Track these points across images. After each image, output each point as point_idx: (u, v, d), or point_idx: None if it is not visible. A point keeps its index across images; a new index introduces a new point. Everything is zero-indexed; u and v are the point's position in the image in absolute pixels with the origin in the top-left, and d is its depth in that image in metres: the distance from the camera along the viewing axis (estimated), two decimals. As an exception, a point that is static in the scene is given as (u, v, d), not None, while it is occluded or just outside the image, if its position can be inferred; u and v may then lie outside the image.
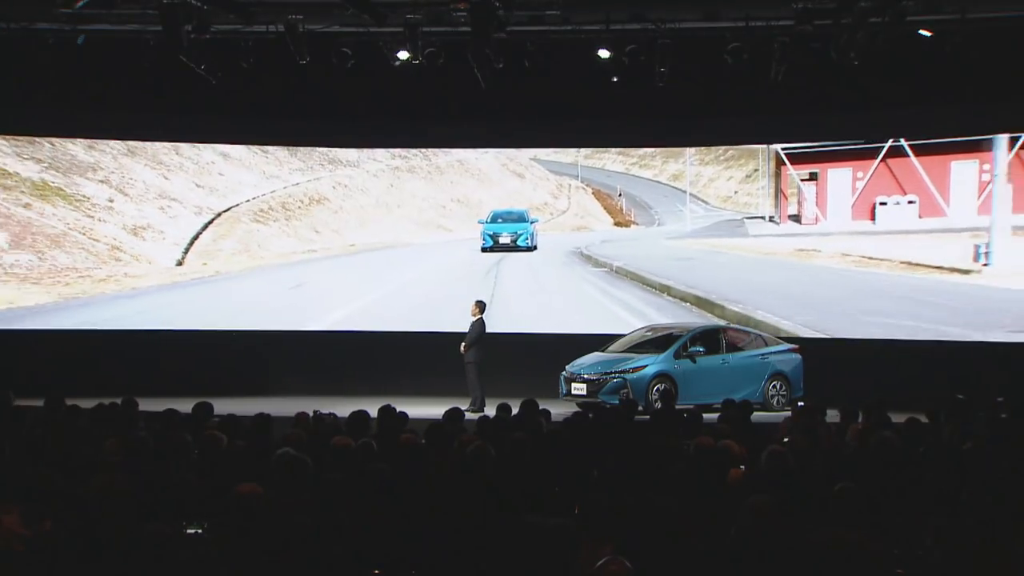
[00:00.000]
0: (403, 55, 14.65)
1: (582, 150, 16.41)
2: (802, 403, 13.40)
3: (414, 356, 16.75)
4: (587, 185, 15.77)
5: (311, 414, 9.50)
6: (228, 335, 17.10)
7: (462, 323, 15.76)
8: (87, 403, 9.93)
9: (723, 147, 15.06)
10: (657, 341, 15.48)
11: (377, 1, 13.49)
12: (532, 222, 18.29)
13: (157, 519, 5.34)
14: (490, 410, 12.89)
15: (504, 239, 18.33)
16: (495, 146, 17.88)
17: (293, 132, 17.45)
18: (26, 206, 15.21)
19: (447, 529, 5.61)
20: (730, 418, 9.58)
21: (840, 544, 4.42)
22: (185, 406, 9.65)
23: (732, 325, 15.72)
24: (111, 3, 13.65)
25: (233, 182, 15.83)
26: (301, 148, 17.32)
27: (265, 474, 6.42)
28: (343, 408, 9.97)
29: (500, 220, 18.41)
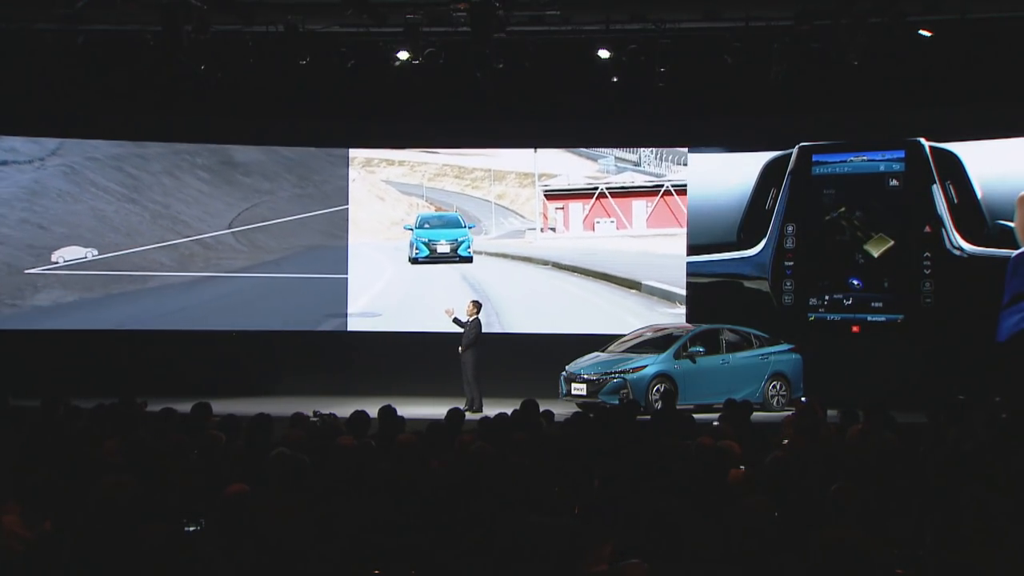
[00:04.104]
0: (403, 55, 14.66)
1: (426, 174, 18.06)
2: (805, 399, 13.42)
3: (414, 356, 16.75)
4: (431, 203, 18.02)
5: (311, 414, 9.49)
6: (228, 335, 17.12)
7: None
8: (87, 403, 9.91)
9: (538, 174, 17.81)
10: (657, 341, 15.49)
11: (377, 1, 13.50)
12: (468, 227, 17.89)
13: (157, 519, 5.34)
14: (489, 411, 12.90)
15: (442, 247, 17.68)
16: (494, 146, 17.85)
17: (292, 132, 17.47)
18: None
19: (447, 529, 5.60)
20: (730, 418, 9.57)
21: (840, 544, 4.42)
22: (185, 406, 9.64)
23: (732, 326, 15.75)
24: (111, 3, 13.66)
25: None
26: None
27: (264, 474, 6.41)
28: (343, 408, 9.96)
29: (428, 225, 17.84)
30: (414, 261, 17.90)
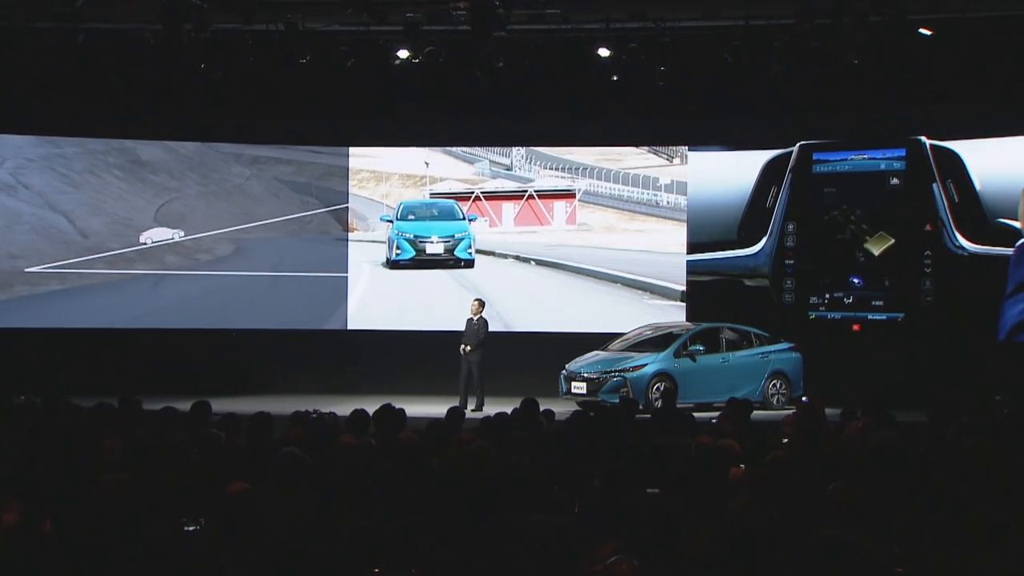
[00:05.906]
0: (403, 54, 14.66)
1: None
2: (805, 398, 13.40)
3: (414, 356, 16.73)
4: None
5: (312, 413, 9.49)
6: (228, 335, 17.12)
7: (456, 321, 15.74)
8: (87, 402, 9.91)
9: (427, 176, 18.23)
10: (657, 340, 15.49)
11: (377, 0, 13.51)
12: (470, 220, 17.58)
13: (157, 518, 5.34)
14: (489, 409, 12.90)
15: (433, 246, 16.72)
16: (494, 145, 17.88)
17: (293, 132, 17.47)
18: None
19: (447, 529, 5.60)
20: (730, 416, 9.57)
21: (840, 544, 4.42)
22: (185, 405, 9.65)
23: (732, 324, 15.75)
24: (111, 2, 13.66)
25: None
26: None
27: (265, 473, 6.41)
28: (343, 408, 9.96)
29: (412, 216, 17.27)
30: (394, 264, 17.02)
